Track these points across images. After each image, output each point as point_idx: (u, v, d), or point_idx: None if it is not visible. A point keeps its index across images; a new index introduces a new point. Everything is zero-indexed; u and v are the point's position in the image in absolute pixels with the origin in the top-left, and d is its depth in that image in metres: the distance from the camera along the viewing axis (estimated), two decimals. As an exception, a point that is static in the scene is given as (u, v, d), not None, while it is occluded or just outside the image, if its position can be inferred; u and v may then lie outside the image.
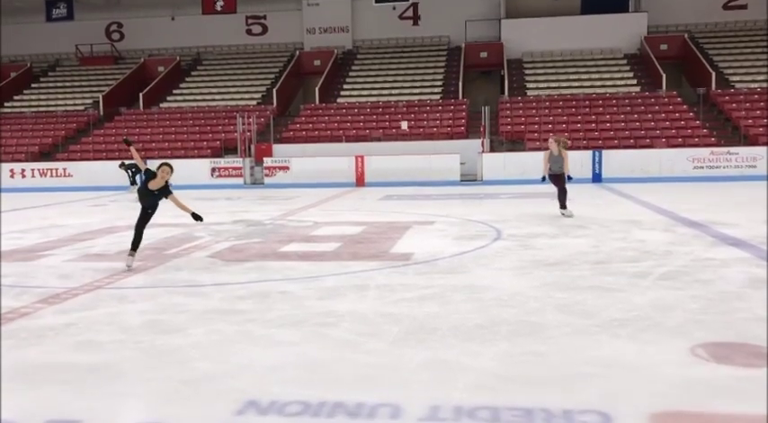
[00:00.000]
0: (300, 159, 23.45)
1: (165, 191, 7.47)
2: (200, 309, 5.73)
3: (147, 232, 7.85)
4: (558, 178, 12.01)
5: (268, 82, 30.39)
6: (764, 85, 25.18)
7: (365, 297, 6.06)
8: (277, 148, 24.71)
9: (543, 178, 12.30)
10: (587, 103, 25.30)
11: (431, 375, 4.01)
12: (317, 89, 28.19)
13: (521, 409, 3.45)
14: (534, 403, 3.51)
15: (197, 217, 7.62)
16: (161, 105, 29.54)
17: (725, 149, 21.06)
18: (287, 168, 23.42)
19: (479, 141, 22.94)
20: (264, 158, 23.87)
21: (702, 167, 20.80)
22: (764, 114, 23.16)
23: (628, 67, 28.03)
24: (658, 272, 6.86)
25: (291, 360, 4.33)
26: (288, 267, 7.62)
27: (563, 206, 11.98)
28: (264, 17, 33.48)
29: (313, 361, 4.31)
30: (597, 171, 21.19)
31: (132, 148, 7.93)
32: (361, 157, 22.51)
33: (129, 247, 7.58)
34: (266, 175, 23.60)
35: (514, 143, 23.82)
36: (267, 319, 5.29)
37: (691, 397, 3.61)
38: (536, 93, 26.76)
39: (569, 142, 12.30)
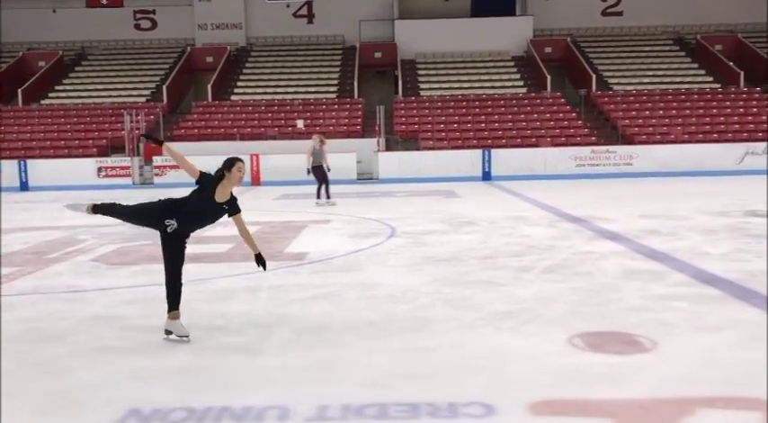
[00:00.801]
0: (193, 158, 22.75)
1: (233, 206, 4.86)
2: (82, 315, 5.50)
3: (25, 235, 7.38)
4: (319, 170, 14.21)
5: (158, 78, 29.40)
6: (640, 87, 26.81)
7: (257, 299, 6.01)
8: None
9: (308, 170, 14.38)
10: (477, 103, 26.06)
11: (321, 375, 4.02)
12: (209, 86, 27.55)
13: (408, 404, 3.53)
14: (422, 398, 3.60)
15: (261, 261, 4.92)
16: (42, 102, 27.96)
17: (604, 148, 22.26)
18: (178, 167, 22.70)
19: (375, 140, 23.16)
20: (154, 157, 23.07)
21: (584, 165, 21.89)
22: (640, 115, 24.66)
23: (515, 69, 29.08)
24: (541, 265, 7.18)
25: (177, 365, 4.23)
26: (178, 270, 7.41)
27: (327, 196, 14.21)
28: (154, 12, 32.36)
29: (200, 366, 4.23)
30: (487, 169, 21.88)
31: (167, 147, 5.07)
32: (257, 155, 22.19)
33: (169, 305, 4.75)
34: (156, 175, 22.83)
35: (409, 142, 24.21)
36: (153, 324, 5.14)
37: (568, 385, 3.81)
38: (429, 93, 27.30)
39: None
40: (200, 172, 4.87)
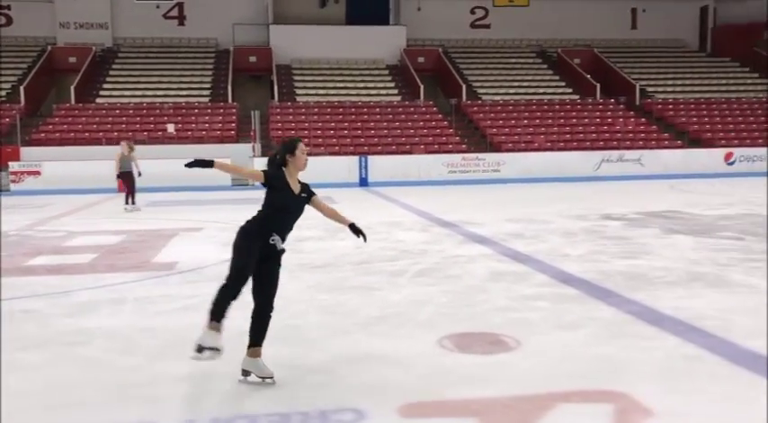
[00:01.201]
0: (54, 163, 21.50)
1: (308, 190, 4.33)
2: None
3: None
4: (128, 176, 14.69)
5: (14, 78, 27.45)
6: (507, 97, 28.07)
7: (121, 311, 5.74)
8: (26, 151, 22.43)
9: (118, 176, 14.93)
10: (353, 110, 26.30)
11: (189, 389, 3.90)
12: (72, 88, 26.05)
13: (279, 414, 3.49)
14: (292, 407, 3.58)
15: (358, 231, 4.30)
16: None
17: (474, 155, 23.13)
18: (38, 173, 21.36)
19: (250, 146, 22.79)
20: (10, 163, 21.52)
21: (456, 172, 22.63)
22: (506, 124, 25.82)
23: (390, 78, 29.61)
24: (414, 269, 7.34)
25: (37, 384, 3.97)
26: (34, 283, 6.95)
27: (133, 202, 14.53)
28: (9, 7, 30.17)
29: (60, 383, 3.99)
30: (364, 176, 22.11)
31: (219, 164, 4.08)
32: (124, 161, 21.20)
33: (254, 340, 4.15)
34: (12, 181, 21.30)
35: (285, 148, 23.99)
36: (7, 341, 4.78)
37: (436, 387, 3.91)
38: (305, 99, 27.23)
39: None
40: (263, 172, 4.11)
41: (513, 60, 31.04)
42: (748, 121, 26.49)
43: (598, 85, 28.06)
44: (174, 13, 30.73)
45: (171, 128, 23.96)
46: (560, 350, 4.54)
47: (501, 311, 5.54)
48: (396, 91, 28.49)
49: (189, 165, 3.95)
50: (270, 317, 4.13)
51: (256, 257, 4.02)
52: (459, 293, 6.22)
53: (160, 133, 23.89)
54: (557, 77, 29.88)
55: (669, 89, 29.11)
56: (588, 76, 28.88)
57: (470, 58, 31.05)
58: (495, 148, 24.20)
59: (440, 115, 26.51)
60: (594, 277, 6.84)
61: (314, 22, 30.25)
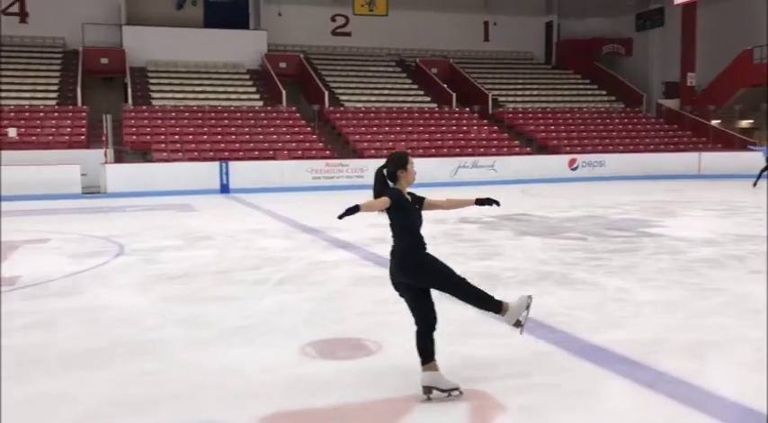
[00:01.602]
0: None
1: (419, 200, 4.20)
2: None
3: None
4: None
5: None
6: (368, 104, 28.50)
7: (-47, 332, 5.23)
8: None
9: None
10: (213, 114, 25.64)
11: (31, 414, 3.63)
12: None
13: (132, 433, 3.33)
14: (148, 424, 3.42)
15: (486, 201, 4.22)
16: None
17: (338, 161, 23.27)
18: None
19: (102, 151, 21.59)
20: None
21: (320, 178, 22.66)
22: (369, 131, 26.22)
23: (251, 82, 29.16)
24: (277, 277, 7.26)
25: None
26: None
27: None
28: None
29: None
30: (225, 182, 21.59)
31: (365, 206, 3.81)
32: (-43, 168, 19.42)
33: (429, 355, 3.93)
34: None
35: (143, 154, 22.98)
36: None
37: (298, 395, 3.88)
38: (162, 102, 26.20)
39: None
40: (387, 196, 3.91)
41: (374, 68, 31.59)
42: (589, 129, 28.55)
43: (454, 95, 29.14)
44: (15, 9, 28.60)
45: (12, 132, 22.23)
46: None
47: (363, 316, 5.61)
48: (257, 96, 28.11)
49: (341, 216, 3.76)
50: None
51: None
52: (323, 300, 6.22)
53: (0, 138, 22.10)
54: (415, 86, 30.72)
55: (519, 99, 30.78)
56: (445, 85, 29.93)
57: (332, 65, 31.26)
58: (359, 154, 24.49)
59: (303, 121, 26.45)
60: (452, 279, 7.07)
61: (170, 24, 29.23)
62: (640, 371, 4.20)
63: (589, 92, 32.55)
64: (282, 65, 29.84)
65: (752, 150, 20.38)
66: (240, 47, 29.93)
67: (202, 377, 4.15)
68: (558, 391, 3.92)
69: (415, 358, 4.46)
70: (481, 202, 4.22)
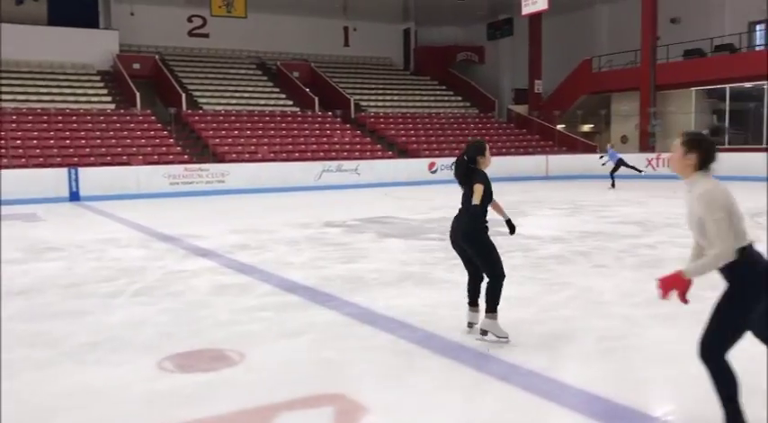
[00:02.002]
0: None
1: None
2: None
3: None
4: None
5: None
6: (228, 107, 27.86)
7: None
8: None
9: None
10: (60, 118, 24.03)
11: None
12: None
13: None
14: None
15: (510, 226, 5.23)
16: None
17: (197, 166, 22.54)
18: None
19: (-71, 158, 19.62)
20: None
21: (178, 183, 21.83)
22: (229, 134, 25.62)
23: (102, 84, 27.62)
24: (131, 289, 6.90)
25: None
26: None
27: None
28: None
29: None
30: (75, 189, 20.29)
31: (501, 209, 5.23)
32: None
33: (493, 305, 4.84)
34: None
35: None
36: None
37: (155, 412, 3.71)
38: (2, 105, 24.24)
39: None
40: (482, 186, 4.82)
41: (234, 71, 30.98)
42: (446, 133, 29.56)
43: (317, 99, 29.17)
44: None
45: None
46: (283, 359, 4.60)
47: (224, 325, 5.46)
48: (109, 98, 26.70)
49: (512, 232, 5.18)
50: (499, 283, 4.80)
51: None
52: (181, 311, 5.99)
53: None
54: (277, 90, 30.45)
55: (380, 104, 31.31)
56: (307, 89, 29.89)
57: (190, 67, 30.32)
58: (219, 158, 23.87)
59: (159, 124, 25.41)
60: (317, 283, 7.06)
61: (9, 20, 27.09)
62: (496, 365, 4.38)
63: (446, 97, 33.71)
64: (136, 66, 28.58)
65: (603, 158, 21.82)
66: (89, 47, 28.33)
67: (50, 400, 3.86)
68: (418, 389, 4.01)
69: (279, 368, 4.42)
70: (510, 224, 5.20)
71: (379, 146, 27.31)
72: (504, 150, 28.26)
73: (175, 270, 7.98)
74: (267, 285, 7.02)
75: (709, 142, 3.18)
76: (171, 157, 23.24)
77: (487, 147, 5.02)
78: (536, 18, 29.42)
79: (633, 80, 27.94)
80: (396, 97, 32.11)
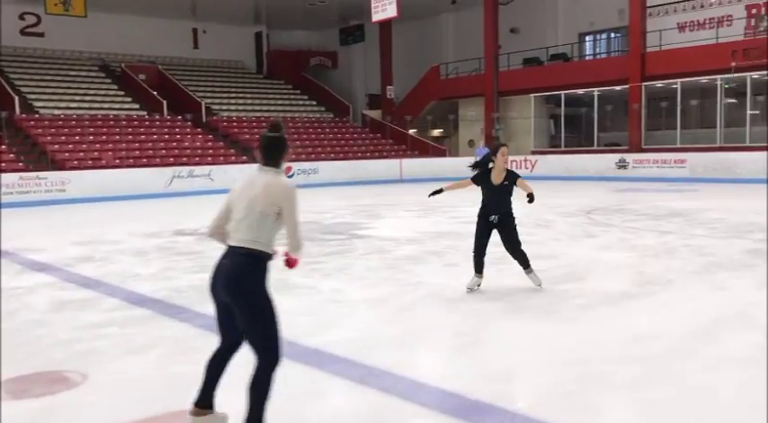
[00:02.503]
0: None
1: (512, 176, 6.29)
2: None
3: None
4: None
5: None
6: (68, 111, 26.07)
7: None
8: None
9: None
10: None
11: None
12: None
13: None
14: None
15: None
16: None
17: (34, 175, 20.89)
18: None
19: None
20: None
21: (12, 193, 20.11)
22: (70, 140, 23.99)
23: None
24: (-44, 311, 6.25)
25: None
26: None
27: None
28: None
29: None
30: None
31: (448, 188, 6.65)
32: None
33: (526, 262, 6.34)
34: None
35: None
36: None
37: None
38: None
39: None
40: (471, 179, 6.36)
41: (74, 73, 29.14)
42: (302, 138, 29.43)
43: (165, 102, 28.04)
44: None
45: None
46: (130, 376, 4.35)
47: (64, 345, 5.07)
48: (-74, 101, 24.18)
49: (431, 195, 6.61)
50: (523, 252, 6.30)
51: (485, 231, 6.31)
52: (16, 331, 5.50)
53: None
54: (122, 93, 28.96)
55: (233, 108, 30.64)
56: (154, 92, 28.66)
57: (23, 68, 28.14)
58: (59, 165, 22.28)
59: (-12, 130, 23.34)
60: (167, 295, 6.76)
61: None
62: (353, 368, 4.38)
63: (300, 102, 33.60)
64: (-42, 66, 26.11)
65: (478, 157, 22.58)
66: None
67: None
68: (274, 397, 3.92)
69: (126, 386, 4.16)
70: (530, 197, 6.12)
71: (232, 150, 26.70)
72: (359, 154, 28.58)
73: (9, 287, 7.32)
74: (113, 299, 6.62)
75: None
76: (3, 164, 21.38)
77: (503, 150, 6.18)
78: (386, 25, 30.02)
79: (478, 86, 29.27)
80: (249, 101, 31.57)
